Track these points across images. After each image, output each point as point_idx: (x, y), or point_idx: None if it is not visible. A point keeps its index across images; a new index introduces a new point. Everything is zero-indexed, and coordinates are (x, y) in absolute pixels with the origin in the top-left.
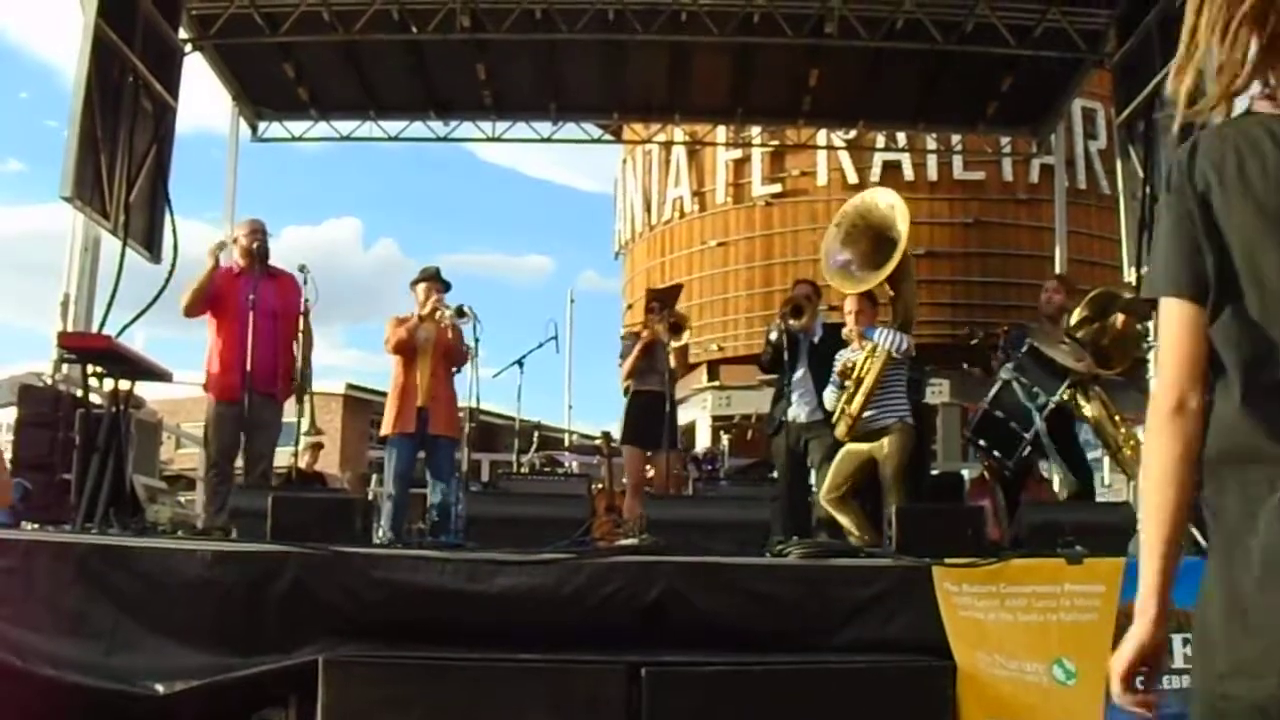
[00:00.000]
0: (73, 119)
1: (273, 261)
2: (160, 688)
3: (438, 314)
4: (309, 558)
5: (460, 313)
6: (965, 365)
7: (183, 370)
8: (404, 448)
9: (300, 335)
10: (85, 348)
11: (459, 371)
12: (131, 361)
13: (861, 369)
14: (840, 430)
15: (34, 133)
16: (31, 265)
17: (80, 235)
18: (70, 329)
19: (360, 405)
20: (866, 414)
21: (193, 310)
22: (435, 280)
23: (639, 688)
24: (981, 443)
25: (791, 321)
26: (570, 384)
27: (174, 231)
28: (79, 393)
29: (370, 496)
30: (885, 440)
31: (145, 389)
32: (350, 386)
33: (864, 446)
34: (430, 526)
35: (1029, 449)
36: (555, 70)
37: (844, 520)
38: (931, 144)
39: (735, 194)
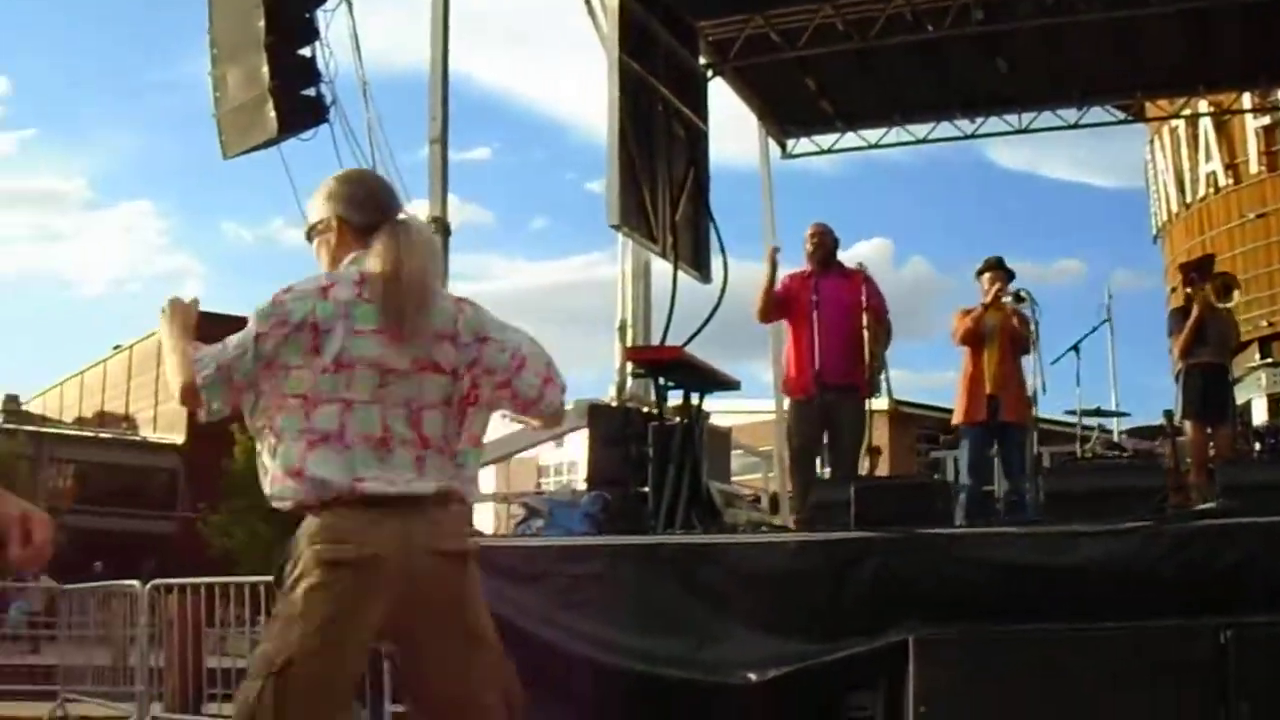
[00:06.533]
0: (611, 152)
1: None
2: (753, 676)
3: (1001, 301)
4: (892, 541)
5: (1019, 297)
6: None
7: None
8: (975, 437)
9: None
10: (655, 361)
11: (1026, 354)
12: (701, 372)
13: None
14: None
15: (554, 188)
16: (564, 316)
17: (630, 262)
18: None
19: (908, 420)
20: None
21: (765, 315)
22: (999, 269)
23: (1223, 649)
24: None
25: None
26: (1116, 376)
27: (722, 249)
28: (645, 409)
29: None
30: None
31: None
32: (895, 403)
33: None
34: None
35: None
36: (1069, 55)
37: None
38: None
39: (1269, 162)
